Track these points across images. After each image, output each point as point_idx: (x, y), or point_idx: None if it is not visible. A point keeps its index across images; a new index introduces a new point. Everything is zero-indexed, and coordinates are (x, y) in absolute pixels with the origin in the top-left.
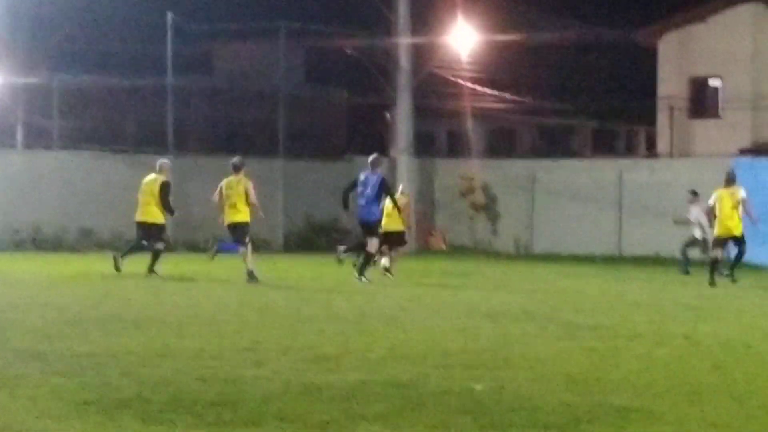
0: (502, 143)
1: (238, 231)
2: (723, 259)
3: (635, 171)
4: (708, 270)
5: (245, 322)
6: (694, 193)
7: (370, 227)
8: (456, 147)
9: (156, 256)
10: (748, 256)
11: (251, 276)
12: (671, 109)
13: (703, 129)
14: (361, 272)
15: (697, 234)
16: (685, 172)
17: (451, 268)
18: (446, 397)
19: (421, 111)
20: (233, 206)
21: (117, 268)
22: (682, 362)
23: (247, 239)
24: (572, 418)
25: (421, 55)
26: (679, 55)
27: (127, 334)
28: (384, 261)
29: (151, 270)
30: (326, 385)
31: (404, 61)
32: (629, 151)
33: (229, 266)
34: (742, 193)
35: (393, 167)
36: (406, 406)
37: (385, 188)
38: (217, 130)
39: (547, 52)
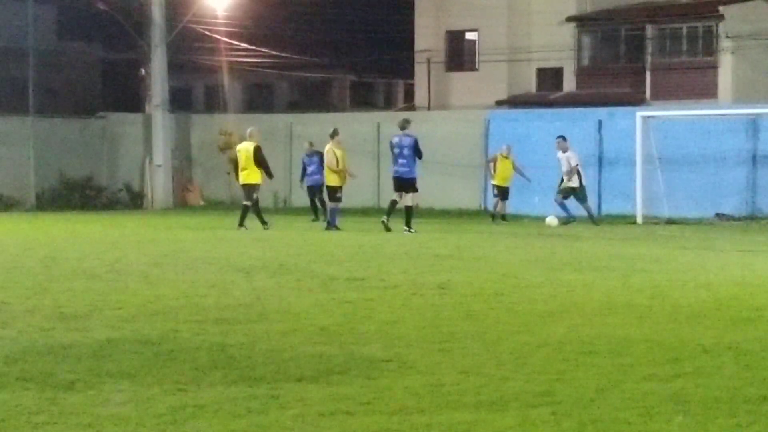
0: (259, 98)
1: None
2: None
3: (393, 124)
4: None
5: None
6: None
7: (412, 183)
8: (213, 102)
9: None
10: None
11: None
12: (428, 62)
13: (461, 81)
14: (408, 225)
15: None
16: (442, 125)
17: (208, 224)
18: (197, 352)
19: (176, 66)
20: None
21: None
22: (436, 312)
23: None
24: (324, 370)
25: (175, 9)
26: (436, 8)
27: None
28: None
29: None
30: (74, 343)
31: (158, 15)
32: (388, 104)
33: None
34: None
35: (148, 123)
36: (155, 362)
37: (417, 148)
38: None
39: (304, 6)
